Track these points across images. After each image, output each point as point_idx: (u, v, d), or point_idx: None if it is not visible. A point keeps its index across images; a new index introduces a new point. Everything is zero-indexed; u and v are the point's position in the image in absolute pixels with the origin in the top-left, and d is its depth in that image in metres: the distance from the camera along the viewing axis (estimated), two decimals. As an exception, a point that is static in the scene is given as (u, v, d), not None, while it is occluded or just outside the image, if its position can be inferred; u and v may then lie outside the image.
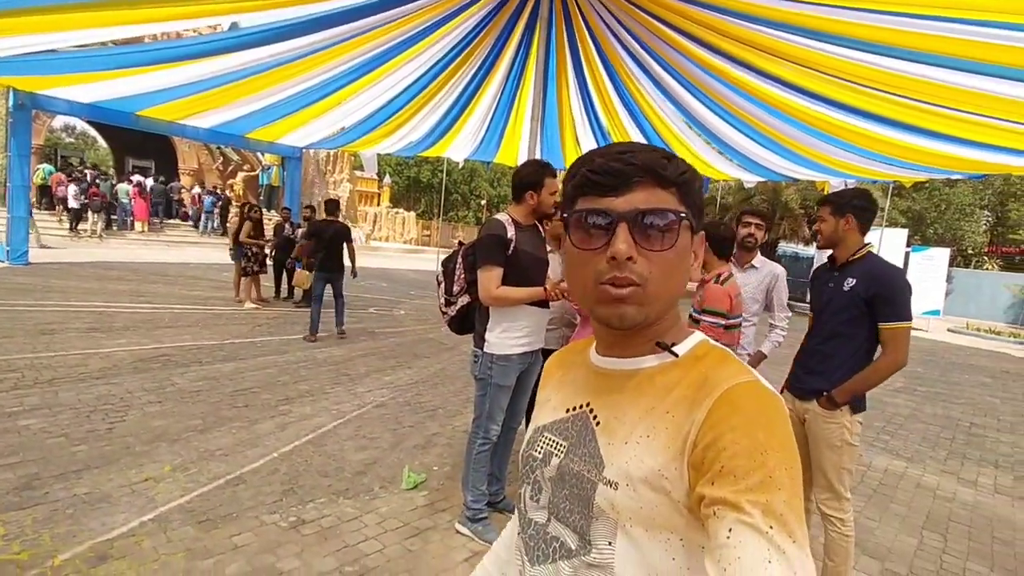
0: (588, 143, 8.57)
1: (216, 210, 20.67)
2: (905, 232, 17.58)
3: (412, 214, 34.87)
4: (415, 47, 5.94)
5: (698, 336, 0.79)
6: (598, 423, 0.77)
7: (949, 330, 16.56)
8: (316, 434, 4.11)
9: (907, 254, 16.22)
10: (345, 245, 7.40)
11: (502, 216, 2.79)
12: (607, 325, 0.74)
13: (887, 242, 14.87)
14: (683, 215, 0.71)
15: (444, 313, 3.03)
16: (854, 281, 2.43)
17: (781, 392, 2.30)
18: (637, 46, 5.38)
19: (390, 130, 8.98)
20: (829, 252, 2.64)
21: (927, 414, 6.51)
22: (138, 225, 18.59)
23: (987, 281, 21.22)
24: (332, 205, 7.71)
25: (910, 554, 3.26)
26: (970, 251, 24.83)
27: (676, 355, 0.74)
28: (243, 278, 9.07)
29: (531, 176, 2.79)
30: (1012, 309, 19.72)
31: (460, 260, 2.91)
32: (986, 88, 3.75)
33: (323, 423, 4.33)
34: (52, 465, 3.25)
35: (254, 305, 9.02)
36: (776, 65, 4.60)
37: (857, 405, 2.45)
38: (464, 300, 2.92)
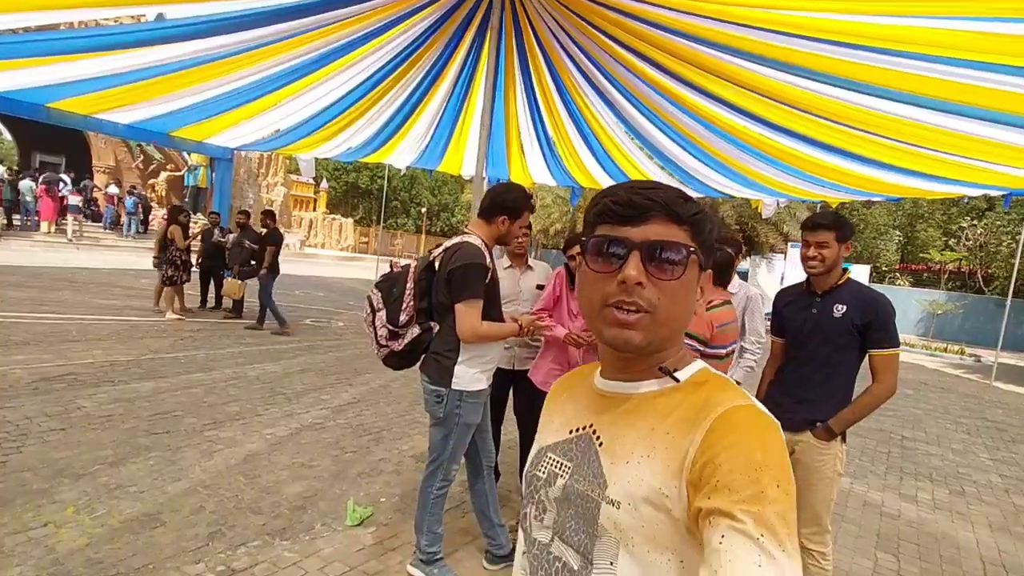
0: (534, 154, 8.46)
1: (138, 212, 19.34)
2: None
3: (350, 220, 33.94)
4: (358, 51, 5.63)
5: (699, 364, 0.81)
6: (601, 444, 0.79)
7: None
8: (248, 463, 3.72)
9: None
10: None
11: (475, 240, 2.49)
12: (612, 347, 0.77)
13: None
14: (692, 249, 0.75)
15: (383, 347, 2.59)
16: (845, 308, 2.35)
17: None
18: (584, 59, 5.31)
19: (330, 134, 8.55)
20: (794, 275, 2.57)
21: (863, 427, 6.66)
22: (43, 226, 17.05)
23: (900, 296, 22.56)
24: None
25: (868, 577, 3.23)
26: (884, 268, 26.56)
27: (677, 380, 0.77)
28: (166, 287, 8.37)
29: (515, 203, 2.56)
30: (922, 323, 21.15)
31: (411, 284, 2.53)
32: (909, 116, 3.89)
33: (256, 450, 3.94)
34: (-77, 511, 2.75)
35: (176, 316, 8.33)
36: (717, 85, 4.64)
37: (844, 434, 2.39)
38: (415, 332, 2.56)
